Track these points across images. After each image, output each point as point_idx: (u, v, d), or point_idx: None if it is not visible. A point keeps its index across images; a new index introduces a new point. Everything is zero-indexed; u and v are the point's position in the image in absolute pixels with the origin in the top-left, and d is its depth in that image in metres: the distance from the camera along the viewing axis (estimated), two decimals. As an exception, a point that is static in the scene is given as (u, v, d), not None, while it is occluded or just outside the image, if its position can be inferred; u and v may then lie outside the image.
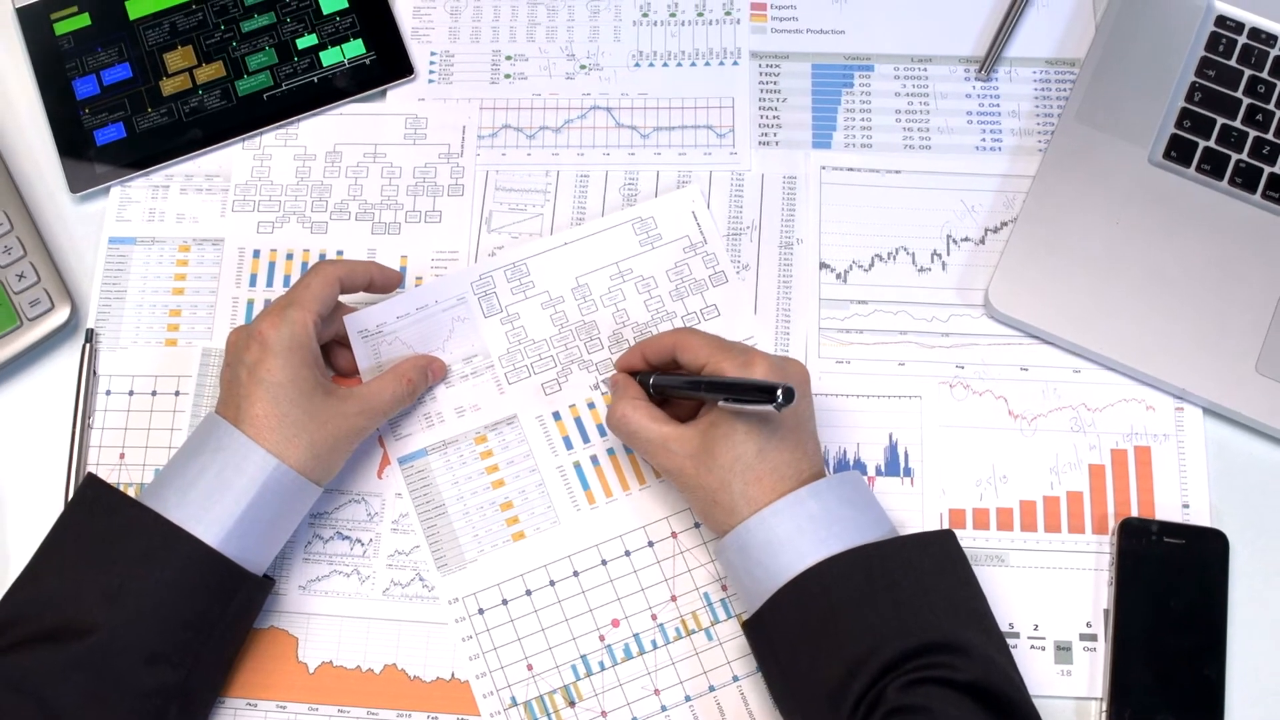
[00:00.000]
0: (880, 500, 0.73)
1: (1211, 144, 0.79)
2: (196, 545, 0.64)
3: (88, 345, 0.79)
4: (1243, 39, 0.80)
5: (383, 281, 0.75)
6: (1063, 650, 0.71)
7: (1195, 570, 0.71)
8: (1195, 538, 0.72)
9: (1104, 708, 0.69)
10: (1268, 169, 0.78)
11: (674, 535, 0.74)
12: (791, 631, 0.64)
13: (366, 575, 0.74)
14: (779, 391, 0.60)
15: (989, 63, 0.83)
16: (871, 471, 0.75)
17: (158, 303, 0.81)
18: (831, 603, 0.62)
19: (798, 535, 0.64)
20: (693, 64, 0.85)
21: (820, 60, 0.85)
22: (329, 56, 0.85)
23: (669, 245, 0.79)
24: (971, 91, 0.83)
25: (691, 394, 0.69)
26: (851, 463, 0.75)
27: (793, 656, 0.64)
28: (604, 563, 0.73)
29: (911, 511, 0.74)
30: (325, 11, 0.86)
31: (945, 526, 0.73)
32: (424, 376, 0.75)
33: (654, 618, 0.72)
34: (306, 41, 0.85)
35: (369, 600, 0.74)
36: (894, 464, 0.75)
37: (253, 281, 0.81)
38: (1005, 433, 0.76)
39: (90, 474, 0.69)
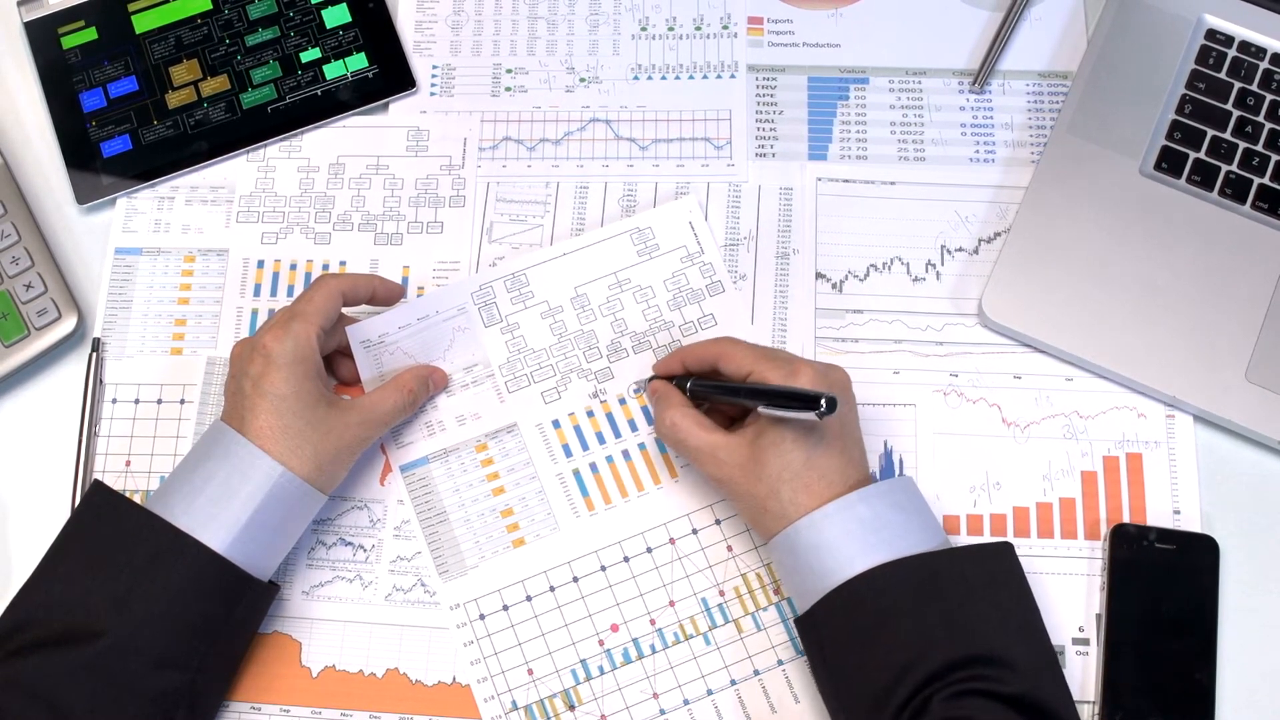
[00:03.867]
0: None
1: (1202, 155, 0.80)
2: (203, 551, 0.65)
3: (94, 354, 0.80)
4: (1232, 52, 0.82)
5: (385, 294, 0.76)
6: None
7: (1186, 575, 0.72)
8: (1186, 543, 0.72)
9: (1096, 711, 0.70)
10: (1257, 180, 0.79)
11: (672, 542, 0.75)
12: (840, 634, 0.64)
13: (369, 581, 0.75)
14: (821, 400, 0.61)
15: (983, 76, 0.84)
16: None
17: (163, 312, 0.82)
18: (880, 610, 0.63)
19: (846, 540, 0.64)
20: (690, 77, 0.86)
21: (816, 73, 0.86)
22: (332, 70, 0.86)
23: (666, 255, 0.80)
24: (965, 104, 0.84)
25: (732, 400, 0.70)
26: (847, 470, 0.76)
27: (840, 658, 0.65)
28: (603, 569, 0.74)
29: (906, 518, 0.75)
30: (328, 26, 0.87)
31: (1005, 539, 0.72)
32: (425, 386, 0.76)
33: (652, 623, 0.73)
34: (310, 55, 0.86)
35: (371, 605, 0.75)
36: (889, 470, 0.76)
37: (257, 291, 0.82)
38: (999, 440, 0.76)
39: (97, 481, 0.69)
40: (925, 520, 0.67)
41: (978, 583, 0.64)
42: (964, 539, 0.74)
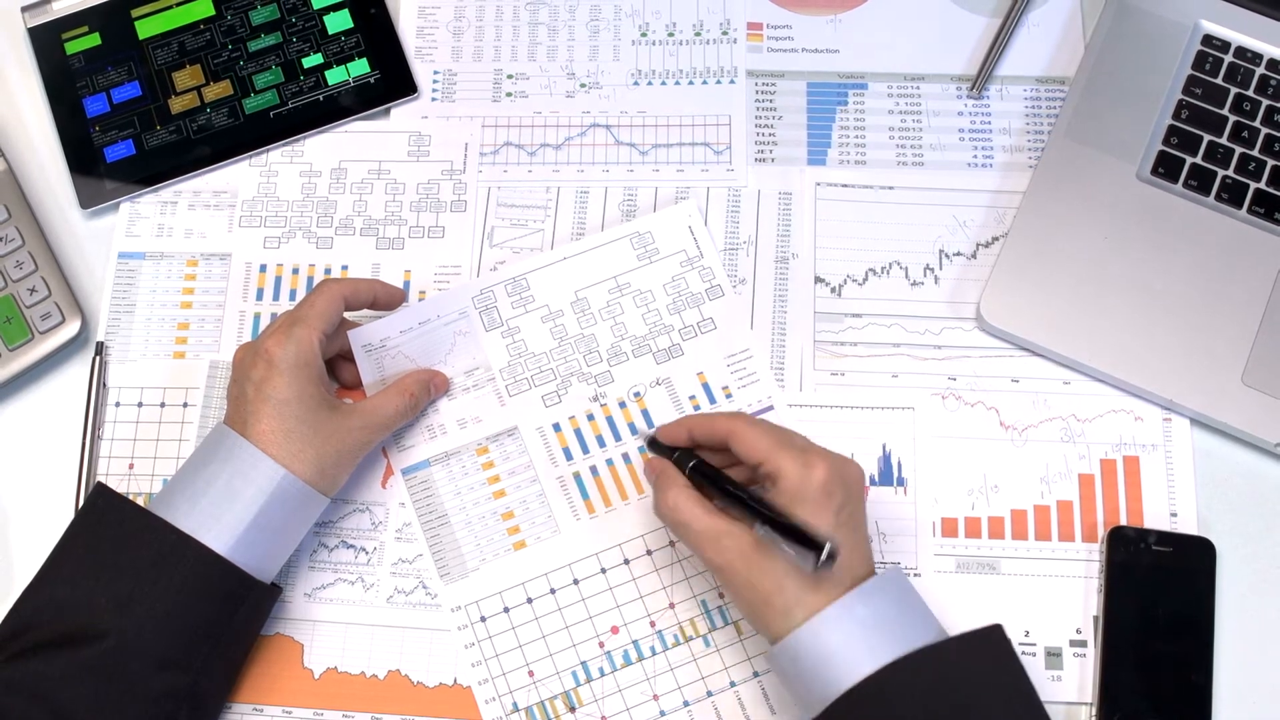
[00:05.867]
0: (874, 510, 0.75)
1: (1198, 160, 0.80)
2: (206, 553, 0.65)
3: (97, 358, 0.80)
4: (1229, 58, 0.82)
5: (386, 299, 0.76)
6: (1053, 656, 0.72)
7: (1183, 578, 0.72)
8: (1183, 546, 0.73)
9: (1093, 713, 0.70)
10: (1253, 185, 0.79)
11: (672, 544, 0.75)
12: None
13: (371, 583, 0.75)
14: (825, 550, 0.59)
15: (981, 81, 0.85)
16: (865, 481, 0.76)
17: (166, 316, 0.82)
18: (892, 716, 0.60)
19: (849, 644, 0.61)
20: (690, 82, 0.86)
21: (815, 79, 0.86)
22: (334, 75, 0.87)
23: (666, 259, 0.81)
24: (963, 109, 0.85)
25: (733, 506, 0.65)
26: (846, 473, 0.76)
27: None
28: (603, 571, 0.75)
29: (905, 520, 0.75)
30: (330, 31, 0.88)
31: (994, 623, 0.65)
32: (426, 390, 0.76)
33: (652, 624, 0.74)
34: (312, 61, 0.87)
35: (373, 607, 0.75)
36: (888, 474, 0.76)
37: (259, 295, 0.82)
38: (997, 443, 0.77)
39: (100, 483, 0.70)
40: (921, 612, 0.64)
41: (982, 669, 0.62)
42: (962, 542, 0.75)
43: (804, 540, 0.60)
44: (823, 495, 0.63)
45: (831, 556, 0.59)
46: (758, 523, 0.62)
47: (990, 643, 0.63)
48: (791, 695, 0.66)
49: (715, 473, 0.67)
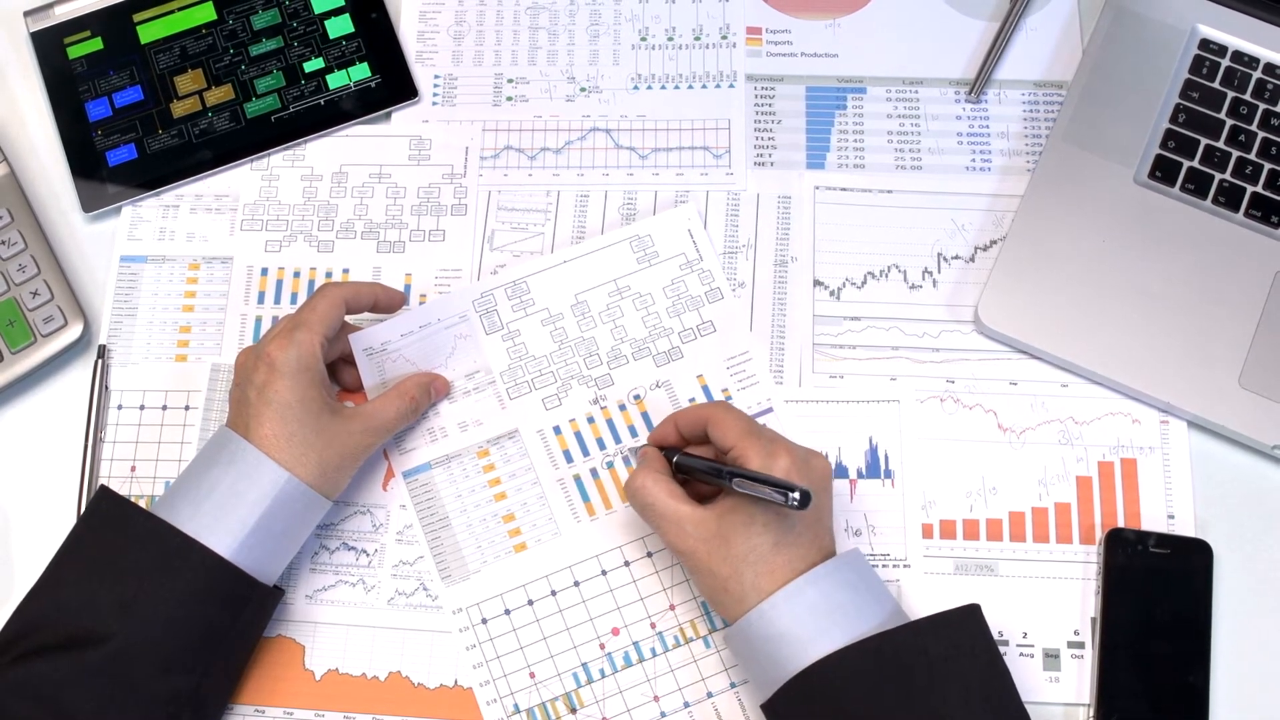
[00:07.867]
0: (862, 503, 0.76)
1: (1195, 164, 0.80)
2: (209, 556, 0.66)
3: (100, 361, 0.81)
4: (1226, 62, 0.82)
5: (387, 302, 0.77)
6: (1051, 657, 0.73)
7: (1180, 580, 0.72)
8: (1180, 548, 0.73)
9: (1091, 714, 0.71)
10: (1250, 188, 0.80)
11: (672, 546, 0.75)
12: None
13: (372, 585, 0.76)
14: (795, 493, 0.61)
15: (979, 85, 0.85)
16: (853, 474, 0.77)
17: (168, 319, 0.82)
18: (839, 698, 0.62)
19: (797, 627, 0.63)
20: (690, 86, 0.87)
21: (814, 83, 0.87)
22: (335, 80, 0.87)
23: (665, 263, 0.81)
24: (961, 113, 0.85)
25: (714, 480, 0.67)
26: (837, 466, 0.77)
27: None
28: (604, 573, 0.75)
29: (893, 512, 0.76)
30: (331, 36, 0.88)
31: (972, 602, 0.66)
32: (427, 394, 0.76)
33: (653, 626, 0.74)
34: (313, 65, 0.87)
35: (374, 609, 0.75)
36: (874, 466, 0.77)
37: (261, 299, 0.83)
38: (995, 445, 0.77)
39: (103, 486, 0.70)
40: (874, 594, 0.65)
41: (939, 656, 0.63)
42: (960, 544, 0.75)
43: (779, 490, 0.62)
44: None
45: (805, 501, 0.61)
46: (735, 479, 0.64)
47: (956, 627, 0.64)
48: (749, 678, 0.69)
49: (697, 457, 0.70)
